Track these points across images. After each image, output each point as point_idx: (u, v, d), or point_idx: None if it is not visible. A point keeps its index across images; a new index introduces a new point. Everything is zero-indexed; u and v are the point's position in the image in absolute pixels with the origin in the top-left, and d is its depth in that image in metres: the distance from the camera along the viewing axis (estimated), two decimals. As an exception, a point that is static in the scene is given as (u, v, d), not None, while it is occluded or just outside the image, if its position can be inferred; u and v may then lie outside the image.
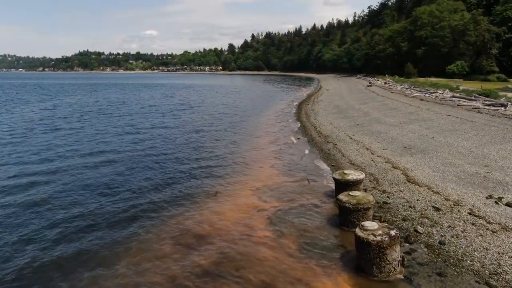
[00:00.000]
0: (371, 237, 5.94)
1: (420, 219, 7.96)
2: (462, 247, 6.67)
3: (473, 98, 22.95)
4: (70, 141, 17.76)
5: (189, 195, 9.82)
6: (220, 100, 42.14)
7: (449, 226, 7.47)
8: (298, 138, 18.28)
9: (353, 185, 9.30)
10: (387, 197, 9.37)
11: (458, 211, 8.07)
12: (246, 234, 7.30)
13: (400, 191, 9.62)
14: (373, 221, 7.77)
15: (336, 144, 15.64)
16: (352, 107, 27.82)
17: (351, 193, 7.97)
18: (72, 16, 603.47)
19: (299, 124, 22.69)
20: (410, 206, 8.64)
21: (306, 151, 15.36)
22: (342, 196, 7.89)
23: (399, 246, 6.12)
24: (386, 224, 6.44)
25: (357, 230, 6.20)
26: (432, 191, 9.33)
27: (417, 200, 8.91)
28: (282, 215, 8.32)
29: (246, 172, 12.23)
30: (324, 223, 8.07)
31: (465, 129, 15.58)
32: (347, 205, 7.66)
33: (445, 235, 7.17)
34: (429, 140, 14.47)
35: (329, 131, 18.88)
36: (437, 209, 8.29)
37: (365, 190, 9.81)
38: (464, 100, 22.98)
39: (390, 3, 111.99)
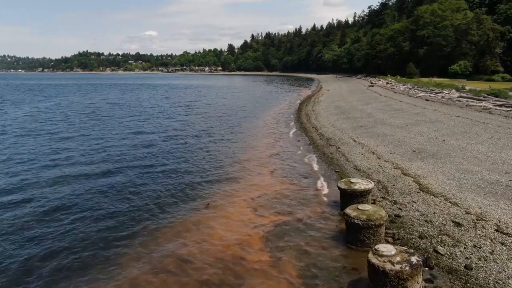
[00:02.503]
0: (388, 266, 4.91)
1: (440, 236, 6.92)
2: (493, 273, 5.64)
3: (482, 98, 21.91)
4: (59, 147, 16.69)
5: (176, 208, 8.74)
6: (219, 101, 41.13)
7: (475, 246, 6.44)
8: (298, 141, 17.27)
9: (360, 195, 8.30)
10: (399, 209, 8.34)
11: (483, 227, 7.04)
12: (239, 257, 6.25)
13: (413, 202, 8.58)
14: (387, 242, 6.77)
15: (339, 148, 14.62)
16: (355, 107, 26.80)
17: (360, 206, 6.94)
18: (72, 16, 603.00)
19: (300, 126, 21.68)
20: (426, 220, 7.61)
21: (307, 155, 14.35)
22: (350, 211, 6.86)
23: (421, 275, 5.09)
24: (405, 248, 5.40)
25: (371, 256, 5.17)
26: (450, 202, 8.30)
27: (434, 213, 7.88)
28: (281, 232, 7.28)
29: (242, 179, 11.18)
30: (329, 241, 7.03)
31: (478, 131, 14.56)
32: (356, 221, 6.63)
33: (471, 258, 6.13)
34: (439, 143, 13.45)
35: (331, 133, 17.87)
36: (458, 225, 7.26)
37: (374, 201, 8.80)
38: (472, 100, 21.94)
39: (390, 3, 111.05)
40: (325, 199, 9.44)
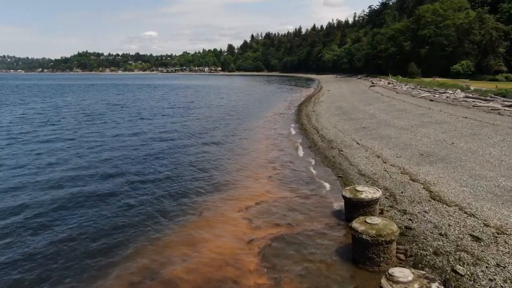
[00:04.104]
0: (406, 296, 4.17)
1: (457, 253, 6.18)
2: (523, 300, 4.91)
3: (489, 98, 21.16)
4: (50, 151, 15.93)
5: (162, 219, 7.93)
6: (218, 102, 40.34)
7: (498, 265, 5.70)
8: (299, 143, 16.53)
9: (367, 205, 7.58)
10: (410, 220, 7.60)
11: (505, 241, 6.30)
12: (231, 279, 5.49)
13: (425, 211, 7.84)
14: (399, 259, 6.05)
15: (341, 150, 13.87)
16: (356, 108, 26.07)
17: (368, 220, 6.20)
18: (71, 17, 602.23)
19: (300, 127, 20.95)
20: (440, 234, 6.86)
21: (308, 158, 13.62)
22: (357, 224, 6.12)
23: (444, 306, 4.35)
24: (423, 273, 4.66)
25: (384, 283, 4.44)
26: (465, 212, 7.55)
27: (448, 225, 7.14)
28: (279, 248, 6.52)
29: (238, 185, 10.39)
30: (334, 258, 6.29)
31: (488, 133, 13.81)
32: (364, 236, 5.89)
33: (495, 279, 5.40)
34: (448, 146, 12.71)
35: (333, 134, 17.13)
36: (476, 239, 6.52)
37: (382, 211, 8.07)
38: (479, 100, 21.19)
39: (391, 3, 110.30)
40: (327, 208, 8.69)
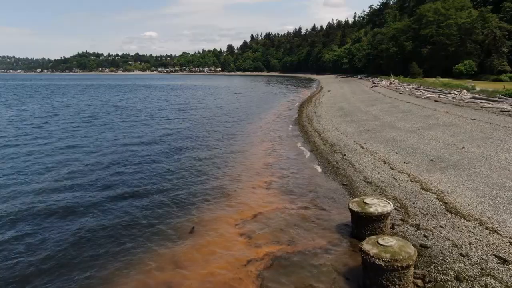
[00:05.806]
0: None
1: (483, 278, 5.40)
2: None
3: (497, 99, 20.37)
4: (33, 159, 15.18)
5: (150, 235, 7.16)
6: (218, 103, 39.54)
7: (533, 295, 4.94)
8: (300, 147, 15.75)
9: (377, 220, 6.81)
10: (425, 236, 6.82)
11: (537, 265, 5.53)
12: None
13: (441, 226, 7.06)
14: (416, 285, 5.26)
15: (345, 155, 13.10)
16: (359, 109, 25.29)
17: (381, 240, 5.42)
18: (71, 17, 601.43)
19: (301, 129, 20.17)
20: (461, 254, 6.09)
21: (309, 164, 12.84)
22: (369, 246, 5.34)
23: None
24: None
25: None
26: (487, 228, 6.77)
27: (469, 243, 6.36)
28: (280, 272, 5.72)
29: (234, 196, 9.56)
30: (341, 284, 5.50)
31: (501, 136, 13.03)
32: (377, 261, 5.12)
33: (531, 313, 4.62)
34: (459, 150, 11.93)
35: (335, 137, 16.35)
36: (503, 261, 5.75)
37: (393, 225, 7.28)
38: (487, 101, 20.39)
39: (391, 3, 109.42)
40: (332, 221, 7.91)
